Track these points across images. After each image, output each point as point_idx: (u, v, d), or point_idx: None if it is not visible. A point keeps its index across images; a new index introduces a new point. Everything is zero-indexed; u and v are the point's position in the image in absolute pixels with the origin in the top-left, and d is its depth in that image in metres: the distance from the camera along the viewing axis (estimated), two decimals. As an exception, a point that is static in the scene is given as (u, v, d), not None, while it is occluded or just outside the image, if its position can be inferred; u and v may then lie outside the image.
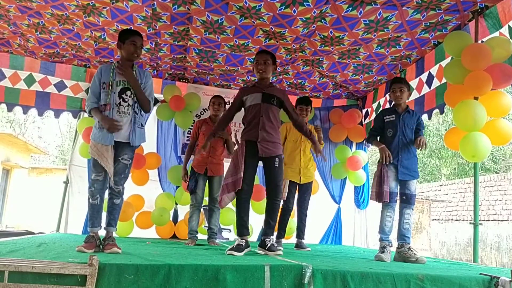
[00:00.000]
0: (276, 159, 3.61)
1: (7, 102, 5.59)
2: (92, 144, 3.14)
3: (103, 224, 3.18)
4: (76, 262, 2.19)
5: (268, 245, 3.47)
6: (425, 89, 4.86)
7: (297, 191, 4.86)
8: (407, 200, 3.74)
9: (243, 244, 3.39)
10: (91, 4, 4.16)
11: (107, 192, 3.21)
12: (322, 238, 6.39)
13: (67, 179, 5.79)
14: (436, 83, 4.67)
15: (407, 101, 3.99)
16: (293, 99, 6.42)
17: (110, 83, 3.16)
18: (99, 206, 3.13)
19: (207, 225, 5.49)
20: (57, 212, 5.76)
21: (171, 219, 5.73)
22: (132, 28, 4.55)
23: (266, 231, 3.61)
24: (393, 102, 3.97)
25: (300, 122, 3.83)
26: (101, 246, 3.04)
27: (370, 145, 3.94)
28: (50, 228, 5.95)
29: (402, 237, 3.71)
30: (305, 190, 4.85)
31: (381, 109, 5.76)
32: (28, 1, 4.18)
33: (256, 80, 3.81)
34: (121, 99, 3.16)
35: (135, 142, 3.22)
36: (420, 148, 3.74)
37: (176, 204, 5.82)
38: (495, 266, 12.08)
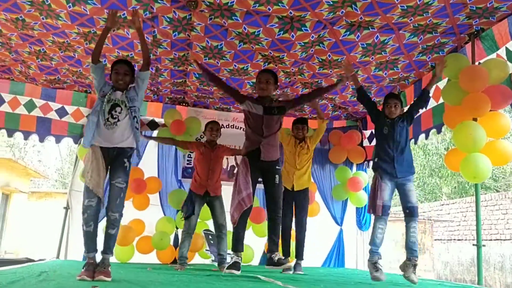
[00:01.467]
0: (276, 176, 3.76)
1: (7, 127, 5.58)
2: (86, 174, 3.13)
3: (100, 247, 3.17)
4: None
5: (276, 259, 3.57)
6: (422, 110, 4.87)
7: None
8: (411, 213, 3.73)
9: (239, 261, 3.50)
10: (92, 32, 4.21)
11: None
12: (325, 261, 6.32)
13: (68, 205, 5.76)
14: (432, 103, 4.70)
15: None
16: (291, 121, 6.50)
17: (106, 95, 3.20)
18: (93, 232, 3.08)
19: (208, 249, 5.46)
20: (57, 237, 5.71)
21: (171, 243, 5.69)
22: (133, 55, 4.61)
23: (271, 248, 3.70)
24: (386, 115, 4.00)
25: (304, 97, 4.27)
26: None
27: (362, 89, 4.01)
28: (50, 254, 5.90)
29: (410, 250, 3.69)
30: (301, 207, 4.84)
31: None
32: (29, 29, 4.24)
33: (257, 97, 3.93)
34: (109, 115, 3.18)
35: (139, 153, 3.31)
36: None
37: (177, 228, 5.78)
38: (499, 286, 11.94)
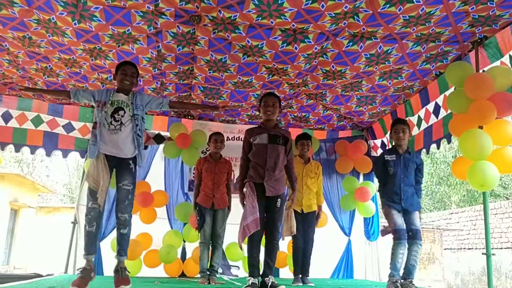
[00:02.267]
0: (278, 199, 3.68)
1: (15, 142, 5.64)
2: (89, 177, 3.14)
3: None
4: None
5: (269, 283, 3.48)
6: (433, 119, 4.87)
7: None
8: (413, 235, 3.78)
9: (257, 282, 3.45)
10: (97, 48, 4.27)
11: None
12: (333, 272, 6.27)
13: (75, 219, 5.78)
14: (443, 113, 4.68)
15: (407, 141, 4.04)
16: (297, 132, 6.50)
17: (105, 103, 3.23)
18: (95, 233, 3.11)
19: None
20: (65, 252, 5.72)
21: (179, 256, 5.68)
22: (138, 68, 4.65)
23: (266, 272, 3.61)
24: (394, 143, 4.04)
25: (290, 164, 3.87)
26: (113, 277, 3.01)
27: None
28: (58, 268, 5.90)
29: (409, 272, 3.76)
30: (308, 224, 4.85)
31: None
32: (36, 47, 4.30)
33: (261, 121, 3.90)
34: (112, 118, 3.20)
35: (140, 163, 3.26)
36: None
37: (184, 241, 5.77)
38: (512, 295, 11.77)
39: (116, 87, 3.42)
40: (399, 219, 3.80)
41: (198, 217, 4.66)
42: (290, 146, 3.87)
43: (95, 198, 3.08)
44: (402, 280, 3.73)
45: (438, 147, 4.92)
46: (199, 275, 4.69)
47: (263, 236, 3.70)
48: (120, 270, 3.06)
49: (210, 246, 4.68)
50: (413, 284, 3.70)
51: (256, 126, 3.95)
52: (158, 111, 3.51)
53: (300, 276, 4.83)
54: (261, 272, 3.63)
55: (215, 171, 4.75)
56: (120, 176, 3.20)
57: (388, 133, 5.97)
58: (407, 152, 3.95)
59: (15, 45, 4.29)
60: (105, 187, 3.09)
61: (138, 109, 3.31)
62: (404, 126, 3.96)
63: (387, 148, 5.77)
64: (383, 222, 4.82)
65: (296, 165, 4.77)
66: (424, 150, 5.05)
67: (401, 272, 3.76)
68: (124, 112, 3.24)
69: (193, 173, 6.01)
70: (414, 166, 3.91)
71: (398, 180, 3.85)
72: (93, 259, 3.11)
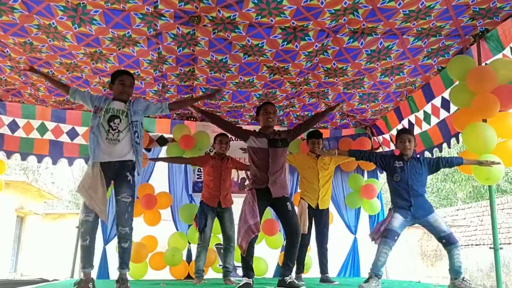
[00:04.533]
0: (288, 203, 3.77)
1: (22, 151, 5.69)
2: (81, 188, 3.13)
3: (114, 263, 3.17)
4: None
5: (289, 281, 3.58)
6: (444, 113, 4.83)
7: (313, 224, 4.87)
8: (448, 242, 3.74)
9: (251, 282, 3.54)
10: (98, 51, 4.27)
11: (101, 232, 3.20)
12: (340, 270, 6.24)
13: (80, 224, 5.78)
14: (454, 107, 4.62)
15: (413, 150, 4.00)
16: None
17: (101, 109, 3.23)
18: (89, 247, 3.08)
19: (221, 264, 5.43)
20: (71, 257, 5.73)
21: (184, 258, 5.67)
22: (139, 72, 4.66)
23: (284, 273, 3.69)
24: (400, 152, 4.01)
25: (310, 117, 4.25)
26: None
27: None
28: (64, 274, 5.91)
29: (455, 272, 3.72)
30: (323, 223, 4.87)
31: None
32: (37, 52, 4.31)
33: (260, 129, 4.01)
34: (109, 127, 3.19)
35: (139, 170, 3.26)
36: None
37: (189, 243, 5.76)
38: (521, 290, 11.67)
39: (112, 96, 3.41)
40: (397, 223, 3.74)
41: (200, 218, 4.66)
42: (293, 133, 4.04)
43: (88, 211, 3.06)
44: (454, 280, 3.70)
45: (458, 141, 4.83)
46: (194, 276, 4.74)
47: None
48: (120, 282, 3.06)
49: (215, 248, 4.71)
50: (466, 280, 3.68)
51: (257, 130, 4.04)
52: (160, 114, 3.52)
53: (321, 275, 4.85)
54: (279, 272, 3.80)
55: (221, 168, 4.81)
56: (118, 188, 3.19)
57: (392, 129, 5.97)
58: (413, 157, 3.93)
59: (17, 51, 4.31)
60: (101, 198, 3.05)
61: (136, 114, 3.30)
62: (410, 136, 3.97)
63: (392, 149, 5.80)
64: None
65: (308, 161, 4.91)
66: (445, 143, 4.97)
67: (382, 269, 3.74)
68: (120, 120, 3.23)
69: (197, 175, 6.02)
70: (424, 171, 3.87)
71: (406, 186, 3.81)
72: (90, 272, 3.08)
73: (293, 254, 3.72)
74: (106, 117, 3.22)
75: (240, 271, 5.80)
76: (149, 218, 5.60)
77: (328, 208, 4.99)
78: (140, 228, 5.59)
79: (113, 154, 3.15)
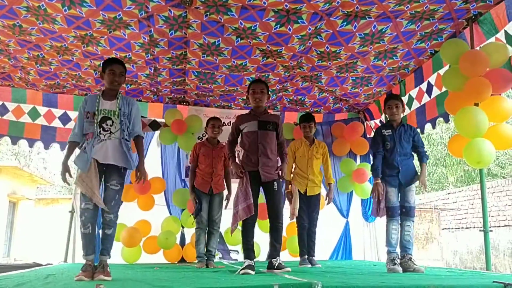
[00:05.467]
0: (275, 183, 3.76)
1: (11, 135, 5.61)
2: (78, 176, 3.12)
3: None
4: (84, 292, 2.16)
5: (276, 264, 3.59)
6: (426, 98, 4.86)
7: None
8: (407, 212, 3.82)
9: (253, 264, 3.53)
10: (89, 34, 4.22)
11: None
12: (332, 254, 6.31)
13: (73, 208, 5.78)
14: (436, 91, 4.68)
15: (401, 116, 4.05)
16: (293, 116, 6.46)
17: (95, 113, 3.16)
18: (91, 234, 3.09)
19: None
20: (64, 242, 5.74)
21: (178, 242, 5.70)
22: (130, 55, 4.61)
23: (272, 254, 3.72)
24: (388, 118, 4.05)
25: (282, 147, 3.98)
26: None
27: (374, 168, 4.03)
28: (58, 258, 5.92)
29: (404, 248, 3.81)
30: (313, 207, 4.88)
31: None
32: (27, 35, 4.25)
33: (251, 108, 3.96)
34: (101, 128, 3.15)
35: (131, 166, 3.21)
36: (423, 188, 3.91)
37: (183, 227, 5.79)
38: (510, 272, 11.89)
39: (101, 91, 3.33)
40: (394, 197, 3.83)
41: (196, 202, 4.69)
42: (280, 129, 3.97)
43: (87, 199, 3.06)
44: (401, 258, 3.76)
45: (434, 127, 4.90)
46: (196, 260, 4.75)
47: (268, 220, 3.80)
48: (100, 267, 3.06)
49: (206, 231, 4.73)
50: (412, 261, 3.72)
51: (246, 113, 3.99)
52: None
53: (307, 257, 4.86)
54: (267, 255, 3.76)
55: (213, 155, 4.79)
56: (108, 176, 3.17)
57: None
58: (401, 125, 3.97)
59: (6, 33, 4.24)
60: (97, 189, 3.06)
61: (124, 116, 3.23)
62: (397, 101, 3.97)
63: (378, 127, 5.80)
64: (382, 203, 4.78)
65: (301, 147, 4.90)
66: (418, 129, 5.03)
67: (398, 248, 3.81)
68: (112, 122, 3.17)
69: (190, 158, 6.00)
70: (410, 138, 3.93)
71: (395, 154, 3.88)
72: (93, 259, 3.09)
73: (278, 233, 3.73)
74: (99, 119, 3.17)
75: (233, 254, 5.88)
76: (143, 203, 5.60)
77: (319, 194, 4.98)
78: (133, 213, 5.60)
79: (105, 157, 3.12)
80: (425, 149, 4.05)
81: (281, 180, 3.89)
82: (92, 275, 2.96)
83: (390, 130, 3.94)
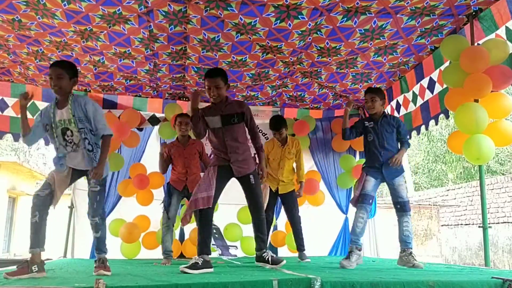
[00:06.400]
0: (251, 176, 3.64)
1: (13, 132, 5.58)
2: (52, 171, 3.13)
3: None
4: (83, 287, 2.17)
5: (270, 258, 3.53)
6: (428, 95, 4.85)
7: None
8: (402, 208, 3.84)
9: (200, 262, 3.18)
10: (88, 29, 4.20)
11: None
12: (331, 249, 6.32)
13: (72, 204, 5.79)
14: (438, 88, 4.66)
15: (383, 109, 4.10)
16: (293, 112, 6.45)
17: (51, 126, 3.12)
18: (38, 224, 2.91)
19: (213, 243, 5.49)
20: (63, 237, 5.74)
21: (177, 238, 5.70)
22: (130, 51, 4.59)
23: (260, 246, 3.67)
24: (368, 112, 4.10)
25: (253, 131, 3.81)
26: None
27: (347, 131, 4.10)
28: (57, 253, 5.93)
29: (404, 243, 3.82)
30: (290, 204, 4.94)
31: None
32: (26, 30, 4.24)
33: (211, 104, 3.72)
34: (64, 142, 3.10)
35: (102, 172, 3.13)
36: (393, 165, 3.86)
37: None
38: (508, 269, 11.91)
39: (55, 99, 3.22)
40: (370, 186, 3.83)
41: (165, 196, 4.70)
42: (248, 115, 3.71)
43: (43, 187, 2.97)
44: (402, 253, 3.78)
45: (436, 123, 4.90)
46: (162, 256, 4.76)
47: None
48: (98, 261, 3.06)
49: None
50: (413, 256, 3.72)
51: (208, 106, 3.75)
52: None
53: (298, 252, 4.90)
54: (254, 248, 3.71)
55: (184, 155, 4.80)
56: (87, 178, 3.17)
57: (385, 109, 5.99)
58: (383, 116, 4.00)
59: (5, 28, 4.22)
60: (60, 192, 3.06)
61: (81, 122, 3.08)
62: (372, 94, 4.00)
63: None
64: (379, 199, 4.84)
65: (273, 149, 4.92)
66: (423, 126, 5.03)
67: (361, 237, 3.81)
68: (72, 132, 3.08)
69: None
70: (393, 129, 3.97)
71: (377, 146, 3.91)
72: (39, 253, 2.88)
73: (259, 225, 3.66)
74: (58, 132, 3.08)
75: (232, 250, 5.88)
76: (142, 198, 5.60)
77: (293, 190, 4.96)
78: (132, 208, 5.60)
79: (78, 163, 3.11)
80: (408, 138, 4.11)
81: (258, 174, 3.78)
82: (23, 273, 2.76)
83: (372, 122, 3.99)
